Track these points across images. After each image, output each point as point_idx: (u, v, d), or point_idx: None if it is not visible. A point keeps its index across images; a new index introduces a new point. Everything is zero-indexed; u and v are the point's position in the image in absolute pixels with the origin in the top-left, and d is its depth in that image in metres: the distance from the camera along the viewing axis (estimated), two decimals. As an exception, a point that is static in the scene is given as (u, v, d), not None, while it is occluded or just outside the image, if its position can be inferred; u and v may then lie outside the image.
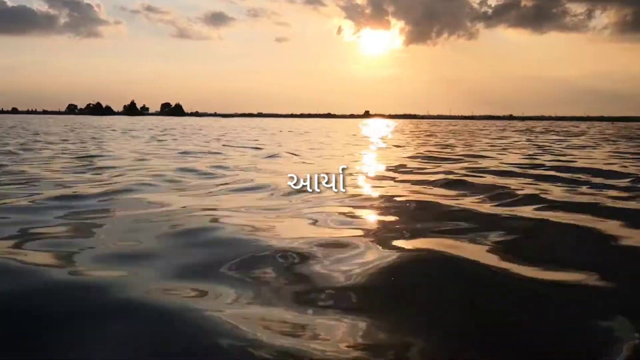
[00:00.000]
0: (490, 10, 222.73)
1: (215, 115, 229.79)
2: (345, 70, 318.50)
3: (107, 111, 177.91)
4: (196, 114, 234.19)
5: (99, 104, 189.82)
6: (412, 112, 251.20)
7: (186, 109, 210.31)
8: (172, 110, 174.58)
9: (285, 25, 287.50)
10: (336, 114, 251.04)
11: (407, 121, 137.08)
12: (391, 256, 3.52)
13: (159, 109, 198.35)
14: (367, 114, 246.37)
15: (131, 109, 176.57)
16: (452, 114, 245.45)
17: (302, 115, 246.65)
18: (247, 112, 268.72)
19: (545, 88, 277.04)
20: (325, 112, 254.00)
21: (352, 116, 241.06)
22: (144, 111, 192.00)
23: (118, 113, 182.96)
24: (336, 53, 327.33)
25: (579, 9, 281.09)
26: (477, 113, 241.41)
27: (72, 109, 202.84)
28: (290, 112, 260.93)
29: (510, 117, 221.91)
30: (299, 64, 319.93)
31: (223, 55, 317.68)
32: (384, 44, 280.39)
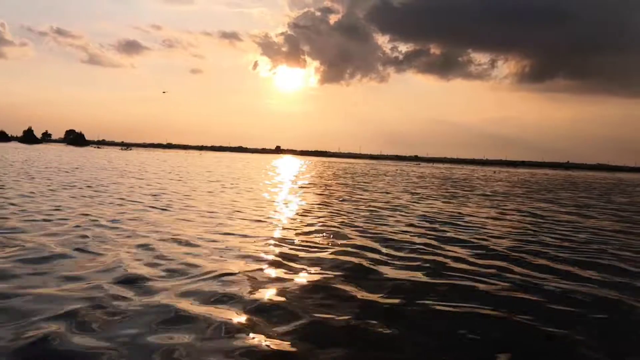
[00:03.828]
0: (400, 56, 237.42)
1: (122, 144, 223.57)
2: (260, 105, 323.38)
3: (2, 137, 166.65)
4: (102, 142, 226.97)
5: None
6: (324, 149, 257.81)
7: (92, 137, 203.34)
8: (73, 139, 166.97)
9: (200, 58, 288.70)
10: (248, 147, 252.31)
11: (315, 159, 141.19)
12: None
13: (62, 136, 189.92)
14: (278, 149, 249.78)
15: (28, 136, 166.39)
16: (362, 152, 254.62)
17: (212, 148, 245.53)
18: (156, 142, 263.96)
19: (449, 131, 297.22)
20: (237, 145, 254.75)
21: (263, 150, 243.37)
22: (46, 137, 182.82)
23: (15, 139, 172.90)
24: (251, 87, 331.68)
25: (483, 59, 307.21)
26: (385, 152, 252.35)
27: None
28: (201, 144, 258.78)
29: (416, 158, 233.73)
30: (213, 96, 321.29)
31: (135, 84, 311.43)
32: (299, 81, 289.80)
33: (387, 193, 23.18)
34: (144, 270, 6.56)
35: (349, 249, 8.96)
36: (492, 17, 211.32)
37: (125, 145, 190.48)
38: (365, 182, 31.48)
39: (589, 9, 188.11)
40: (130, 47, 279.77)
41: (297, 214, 13.86)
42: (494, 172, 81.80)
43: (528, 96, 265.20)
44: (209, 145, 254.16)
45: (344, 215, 14.01)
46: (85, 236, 8.71)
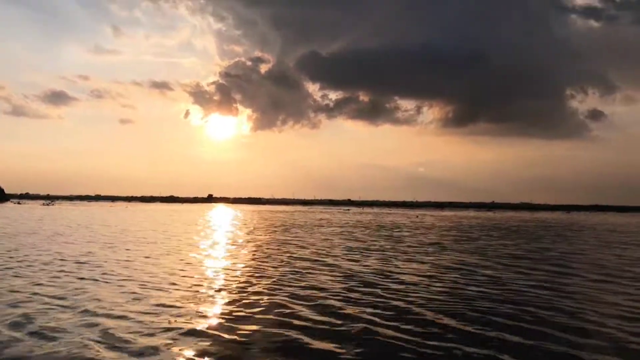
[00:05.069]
0: (331, 103, 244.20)
1: (47, 197, 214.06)
2: (191, 154, 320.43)
3: None
4: (26, 196, 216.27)
5: None
6: (257, 196, 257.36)
7: (16, 190, 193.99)
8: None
9: (130, 107, 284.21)
10: (179, 196, 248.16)
11: (249, 208, 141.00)
12: None
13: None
14: (210, 198, 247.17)
15: None
16: (296, 197, 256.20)
17: (142, 198, 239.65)
18: (84, 194, 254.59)
19: (379, 175, 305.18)
20: (168, 194, 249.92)
21: (195, 199, 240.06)
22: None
23: None
24: (183, 136, 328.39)
25: (409, 105, 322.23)
26: (319, 197, 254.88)
27: None
28: (130, 195, 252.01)
29: (349, 202, 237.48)
30: (144, 146, 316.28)
31: (62, 135, 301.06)
32: (231, 129, 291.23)
33: (314, 248, 24.38)
34: None
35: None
36: (415, 65, 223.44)
37: (49, 199, 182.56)
38: (293, 237, 32.61)
39: (505, 57, 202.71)
40: (57, 97, 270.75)
41: (229, 282, 14.76)
42: (417, 216, 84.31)
43: (453, 140, 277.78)
44: (139, 195, 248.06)
45: (272, 278, 15.08)
46: None
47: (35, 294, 11.89)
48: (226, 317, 10.00)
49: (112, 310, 10.27)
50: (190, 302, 11.24)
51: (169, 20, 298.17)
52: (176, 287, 13.23)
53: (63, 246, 23.30)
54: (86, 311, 10.13)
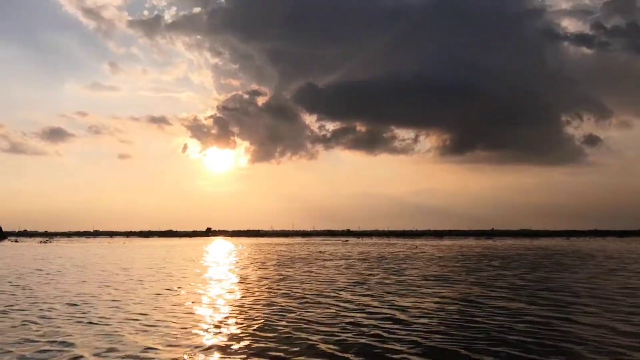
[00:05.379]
0: (328, 134, 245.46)
1: (45, 234, 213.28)
2: (190, 187, 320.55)
3: None
4: (24, 233, 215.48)
5: None
6: (256, 228, 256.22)
7: (14, 227, 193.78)
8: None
9: (128, 143, 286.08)
10: (178, 230, 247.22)
11: (248, 241, 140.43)
12: None
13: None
14: (209, 231, 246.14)
15: None
16: (295, 228, 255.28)
17: (141, 233, 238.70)
18: (82, 229, 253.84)
19: (378, 204, 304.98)
20: (167, 228, 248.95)
21: (194, 233, 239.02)
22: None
23: None
24: (181, 170, 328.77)
25: (406, 134, 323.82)
26: (318, 228, 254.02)
27: None
28: (129, 230, 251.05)
29: (348, 232, 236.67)
30: (142, 181, 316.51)
31: (60, 171, 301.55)
32: (229, 161, 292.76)
33: (323, 283, 24.31)
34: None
35: None
36: (411, 95, 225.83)
37: (47, 237, 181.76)
38: (296, 272, 32.49)
39: (500, 85, 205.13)
40: (55, 134, 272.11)
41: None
42: (416, 247, 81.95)
43: (451, 168, 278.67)
44: (137, 230, 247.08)
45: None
46: None
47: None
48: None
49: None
50: None
51: (166, 56, 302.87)
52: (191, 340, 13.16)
53: (59, 288, 23.21)
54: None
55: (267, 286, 23.29)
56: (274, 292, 20.96)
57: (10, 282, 25.07)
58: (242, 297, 19.74)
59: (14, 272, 31.42)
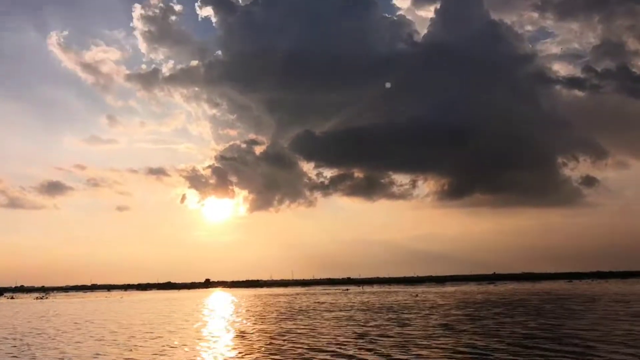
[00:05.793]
0: (326, 181, 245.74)
1: (41, 289, 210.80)
2: (188, 238, 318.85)
3: None
4: (21, 289, 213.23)
5: None
6: (256, 278, 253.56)
7: (10, 282, 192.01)
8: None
9: (127, 195, 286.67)
10: (177, 282, 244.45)
11: (247, 292, 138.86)
12: None
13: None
14: (207, 282, 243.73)
15: None
16: (295, 277, 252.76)
17: (139, 286, 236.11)
18: (80, 283, 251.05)
19: (378, 251, 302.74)
20: (166, 280, 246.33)
21: (192, 285, 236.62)
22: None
23: None
24: (179, 221, 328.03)
25: (404, 180, 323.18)
26: (318, 276, 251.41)
27: None
28: (127, 282, 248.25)
29: (349, 280, 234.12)
30: (140, 232, 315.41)
31: (58, 225, 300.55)
32: (228, 211, 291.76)
33: (325, 338, 23.95)
34: None
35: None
36: (407, 140, 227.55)
37: (44, 292, 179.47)
38: (298, 326, 32.09)
39: (495, 129, 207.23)
40: (53, 188, 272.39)
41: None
42: (416, 295, 76.82)
43: (450, 212, 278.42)
44: (136, 283, 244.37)
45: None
46: None
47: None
48: None
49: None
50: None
51: (164, 107, 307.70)
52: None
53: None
54: None
55: (268, 342, 22.91)
56: (276, 349, 20.61)
57: (10, 344, 24.68)
58: (245, 354, 19.41)
59: (12, 332, 30.91)
